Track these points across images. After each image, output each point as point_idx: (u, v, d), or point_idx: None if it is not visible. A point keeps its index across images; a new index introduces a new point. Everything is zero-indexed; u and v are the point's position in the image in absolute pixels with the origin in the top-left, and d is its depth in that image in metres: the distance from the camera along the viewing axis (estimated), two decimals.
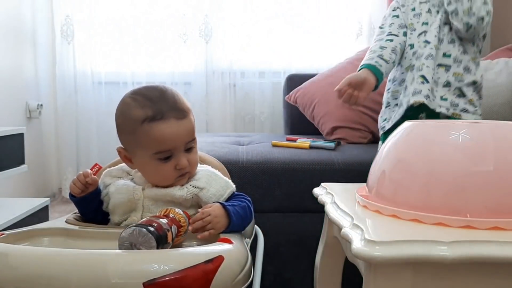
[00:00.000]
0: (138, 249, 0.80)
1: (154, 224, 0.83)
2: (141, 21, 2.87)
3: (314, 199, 1.59)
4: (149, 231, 0.81)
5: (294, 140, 1.94)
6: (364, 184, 0.96)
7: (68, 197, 2.80)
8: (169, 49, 2.89)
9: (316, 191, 0.98)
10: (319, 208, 1.06)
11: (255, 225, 1.28)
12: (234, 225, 0.94)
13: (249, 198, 1.05)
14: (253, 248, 1.16)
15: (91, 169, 1.26)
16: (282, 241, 1.63)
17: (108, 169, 1.13)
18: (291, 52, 2.86)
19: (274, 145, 1.85)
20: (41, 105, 2.80)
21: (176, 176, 1.00)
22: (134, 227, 0.82)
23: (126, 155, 1.03)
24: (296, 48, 2.86)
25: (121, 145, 1.04)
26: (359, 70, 1.47)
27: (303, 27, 2.86)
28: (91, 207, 1.05)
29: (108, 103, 2.89)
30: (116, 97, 2.89)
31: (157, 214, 0.89)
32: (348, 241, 0.68)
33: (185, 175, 1.01)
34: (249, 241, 1.13)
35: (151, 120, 0.96)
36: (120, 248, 0.82)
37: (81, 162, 2.92)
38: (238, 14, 2.87)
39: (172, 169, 0.99)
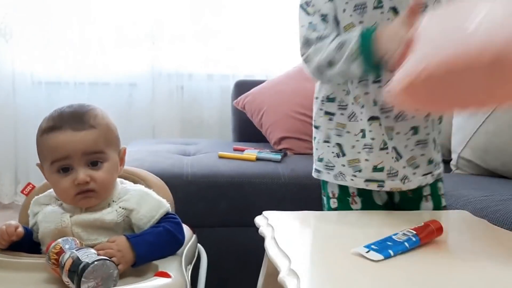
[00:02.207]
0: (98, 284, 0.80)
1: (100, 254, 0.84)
2: (86, 19, 2.75)
3: (258, 214, 1.59)
4: (111, 261, 0.83)
5: (241, 151, 1.92)
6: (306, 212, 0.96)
7: (4, 202, 2.72)
8: (114, 49, 2.79)
9: (258, 221, 0.97)
10: None
11: (198, 244, 1.25)
12: (142, 258, 0.90)
13: (177, 221, 1.00)
14: (197, 266, 1.14)
15: (23, 189, 1.20)
16: (226, 255, 1.62)
17: (36, 197, 1.07)
18: (240, 55, 2.82)
19: (221, 157, 1.82)
20: None
21: (75, 192, 0.94)
22: (89, 265, 0.80)
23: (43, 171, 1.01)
24: (245, 52, 2.82)
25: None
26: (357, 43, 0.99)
27: (253, 29, 2.82)
28: (22, 247, 0.99)
29: (49, 104, 2.76)
30: (57, 97, 2.78)
31: (54, 251, 0.86)
32: None
33: (88, 193, 0.95)
34: (190, 266, 1.10)
35: (50, 131, 0.95)
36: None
37: (20, 166, 2.78)
38: (185, 14, 2.80)
39: (70, 183, 0.94)
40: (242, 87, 2.40)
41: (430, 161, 1.12)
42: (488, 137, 1.58)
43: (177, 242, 0.98)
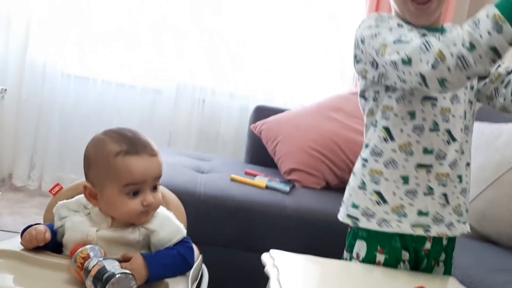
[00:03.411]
0: None
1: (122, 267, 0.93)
2: (123, 22, 2.86)
3: (262, 241, 1.67)
4: (133, 276, 0.91)
5: (253, 176, 2.01)
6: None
7: (17, 185, 2.81)
8: (145, 54, 2.90)
9: (264, 258, 1.05)
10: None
11: (203, 264, 1.33)
12: (155, 277, 0.99)
13: (190, 245, 1.10)
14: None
15: (52, 189, 1.29)
16: (227, 275, 1.70)
17: (64, 201, 1.14)
18: (263, 80, 2.92)
19: (233, 180, 1.91)
20: (5, 89, 2.74)
21: (141, 211, 1.04)
22: (115, 275, 0.89)
23: (91, 191, 1.06)
24: (269, 78, 2.92)
25: (87, 182, 1.07)
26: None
27: (283, 58, 2.92)
28: (46, 246, 1.08)
29: (74, 98, 2.87)
30: (83, 92, 2.90)
31: (81, 255, 0.95)
32: None
33: (149, 212, 1.06)
34: (195, 284, 1.19)
35: (126, 154, 1.02)
36: None
37: (37, 153, 2.88)
38: (216, 36, 2.89)
39: (138, 204, 1.03)
40: (261, 112, 2.49)
41: (467, 211, 1.15)
42: (488, 204, 1.67)
43: (188, 265, 1.09)
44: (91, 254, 0.97)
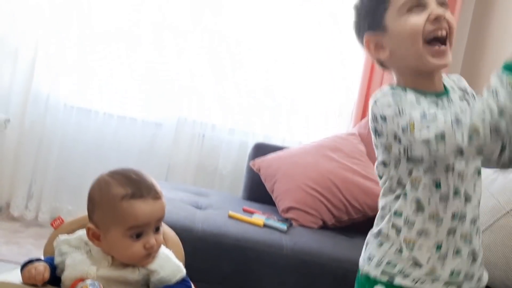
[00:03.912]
0: None
1: None
2: (126, 55, 2.92)
3: (258, 280, 1.68)
4: None
5: (250, 213, 2.03)
6: None
7: (14, 214, 2.82)
8: (147, 88, 2.94)
9: None
10: None
11: None
12: None
13: (189, 285, 1.11)
14: None
15: (53, 222, 1.30)
16: None
17: (66, 236, 1.15)
18: (263, 117, 2.96)
19: (230, 217, 1.93)
20: (9, 120, 2.79)
21: (143, 255, 1.05)
22: None
23: (95, 232, 1.07)
24: (271, 115, 2.96)
25: (90, 223, 1.09)
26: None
27: (281, 97, 2.97)
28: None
29: (76, 129, 2.90)
30: (85, 124, 2.93)
31: None
32: None
33: (151, 255, 1.07)
34: None
35: (131, 197, 1.04)
36: None
37: (35, 183, 2.90)
38: (218, 70, 2.95)
39: (141, 247, 1.05)
40: (261, 149, 2.52)
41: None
42: (483, 249, 1.68)
43: None
44: None
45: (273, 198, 2.28)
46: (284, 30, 2.96)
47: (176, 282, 1.08)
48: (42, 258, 1.15)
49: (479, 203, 1.17)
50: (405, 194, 1.13)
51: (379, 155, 1.17)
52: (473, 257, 1.14)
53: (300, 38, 2.96)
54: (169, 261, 1.11)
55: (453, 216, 1.12)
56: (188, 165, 2.95)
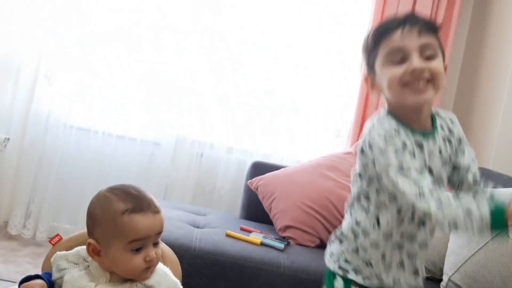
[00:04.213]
0: None
1: None
2: (125, 76, 2.95)
3: None
4: None
5: (248, 232, 2.04)
6: None
7: (11, 233, 2.81)
8: (146, 108, 2.97)
9: None
10: None
11: None
12: None
13: None
14: None
15: (51, 239, 1.31)
16: None
17: (64, 252, 1.15)
18: (264, 135, 2.98)
19: (228, 235, 1.93)
20: (8, 138, 2.81)
21: (143, 268, 1.06)
22: None
23: (95, 248, 1.08)
24: (269, 134, 2.98)
25: (91, 239, 1.09)
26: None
27: (279, 116, 2.98)
28: None
29: (75, 149, 2.92)
30: (84, 144, 2.95)
31: None
32: None
33: (150, 268, 1.09)
34: None
35: (132, 212, 1.05)
36: None
37: (33, 202, 2.90)
38: (218, 71, 2.97)
39: (141, 261, 1.06)
40: (259, 168, 2.54)
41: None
42: (478, 267, 1.69)
43: None
44: None
45: (271, 216, 2.29)
46: (283, 30, 2.98)
47: None
48: (40, 274, 1.16)
49: (434, 230, 1.28)
50: (369, 209, 1.25)
51: (358, 167, 1.27)
52: (416, 272, 1.28)
53: (300, 38, 2.97)
54: (167, 277, 1.12)
55: (402, 235, 1.24)
56: (186, 184, 2.97)
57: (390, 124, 1.20)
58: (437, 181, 1.20)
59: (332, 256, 1.33)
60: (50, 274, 1.14)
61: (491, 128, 2.59)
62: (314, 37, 2.98)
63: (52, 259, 1.16)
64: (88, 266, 1.12)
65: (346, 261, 1.29)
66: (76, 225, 2.89)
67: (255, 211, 2.47)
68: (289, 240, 2.08)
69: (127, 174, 2.90)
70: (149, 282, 1.08)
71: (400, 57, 1.18)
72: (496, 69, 2.67)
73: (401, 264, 1.26)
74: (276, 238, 2.02)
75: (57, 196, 2.91)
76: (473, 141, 2.74)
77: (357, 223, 1.27)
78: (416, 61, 1.16)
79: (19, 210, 2.88)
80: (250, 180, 2.48)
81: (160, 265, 1.16)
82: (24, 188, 2.88)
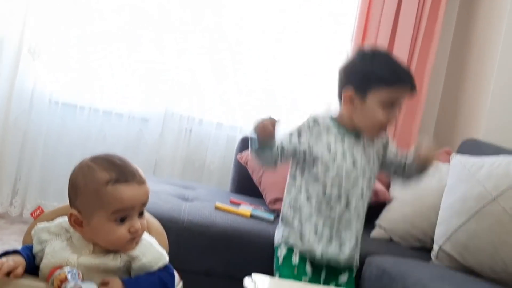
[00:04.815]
0: None
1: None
2: (112, 50, 2.89)
3: (245, 269, 1.66)
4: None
5: (237, 204, 2.01)
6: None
7: None
8: (134, 83, 2.91)
9: (246, 283, 1.05)
10: None
11: None
12: None
13: (172, 272, 1.09)
14: None
15: (33, 212, 1.28)
16: None
17: (45, 223, 1.12)
18: (251, 111, 2.94)
19: (217, 208, 1.91)
20: None
21: (128, 239, 1.03)
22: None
23: (77, 218, 1.04)
24: (256, 109, 2.94)
25: (72, 209, 1.06)
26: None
27: (281, 97, 2.96)
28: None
29: (61, 125, 2.87)
30: (70, 119, 2.90)
31: (59, 278, 0.95)
32: None
33: (135, 239, 1.06)
34: None
35: (116, 182, 1.02)
36: None
37: (20, 179, 2.85)
38: (207, 66, 2.93)
39: (126, 231, 1.03)
40: (248, 142, 2.50)
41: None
42: (470, 236, 1.68)
43: None
44: (69, 276, 0.95)
45: (261, 190, 2.27)
46: (283, 30, 2.96)
47: (158, 269, 1.06)
48: (19, 248, 1.12)
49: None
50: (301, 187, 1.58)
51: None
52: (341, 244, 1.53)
53: (300, 38, 2.96)
54: (151, 248, 1.09)
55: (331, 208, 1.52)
56: (175, 160, 2.93)
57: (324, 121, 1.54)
58: (354, 164, 1.51)
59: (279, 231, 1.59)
60: (30, 248, 1.10)
61: (481, 101, 2.58)
62: (314, 37, 2.97)
63: (32, 232, 1.12)
64: (71, 237, 1.08)
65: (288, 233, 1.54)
66: (63, 202, 2.76)
67: (245, 185, 2.45)
68: (278, 212, 2.06)
69: (114, 150, 2.83)
70: (134, 253, 1.05)
71: (391, 104, 1.45)
72: (486, 47, 2.65)
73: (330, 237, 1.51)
74: (266, 210, 1.99)
75: (44, 173, 2.86)
76: (464, 112, 2.74)
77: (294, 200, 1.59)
78: (395, 114, 1.48)
79: (5, 188, 2.84)
80: (240, 154, 2.45)
81: (145, 235, 1.13)
82: (10, 166, 2.83)
